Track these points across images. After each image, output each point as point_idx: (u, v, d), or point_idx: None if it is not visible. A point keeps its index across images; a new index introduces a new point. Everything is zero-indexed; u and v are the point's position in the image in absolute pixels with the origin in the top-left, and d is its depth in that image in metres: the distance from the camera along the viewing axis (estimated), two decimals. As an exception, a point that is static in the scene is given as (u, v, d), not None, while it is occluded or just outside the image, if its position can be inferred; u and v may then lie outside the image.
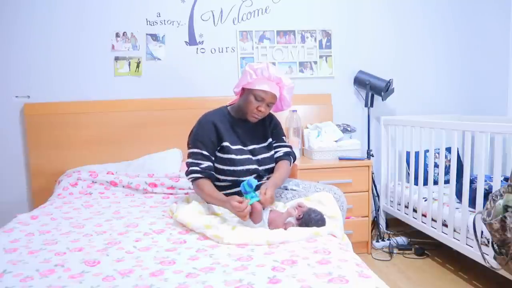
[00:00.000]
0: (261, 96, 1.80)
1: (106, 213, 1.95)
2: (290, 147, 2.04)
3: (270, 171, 1.93)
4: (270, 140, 1.97)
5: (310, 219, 1.58)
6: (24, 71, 2.74)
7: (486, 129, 2.06)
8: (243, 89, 1.88)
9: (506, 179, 2.14)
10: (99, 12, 2.79)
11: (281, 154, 1.98)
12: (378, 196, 3.02)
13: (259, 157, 1.89)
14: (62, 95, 2.79)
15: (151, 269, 1.25)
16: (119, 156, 2.78)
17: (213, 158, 1.84)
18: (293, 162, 2.04)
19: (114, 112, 2.79)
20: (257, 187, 1.71)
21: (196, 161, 1.81)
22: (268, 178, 1.89)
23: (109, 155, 2.78)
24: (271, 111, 1.96)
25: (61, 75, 2.79)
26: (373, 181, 2.97)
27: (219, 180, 1.86)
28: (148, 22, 2.86)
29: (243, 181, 1.67)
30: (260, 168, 1.88)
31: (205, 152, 1.81)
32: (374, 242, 2.83)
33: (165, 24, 2.88)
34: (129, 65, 2.85)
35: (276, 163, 1.96)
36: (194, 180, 1.81)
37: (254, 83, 1.80)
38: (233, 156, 1.81)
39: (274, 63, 3.00)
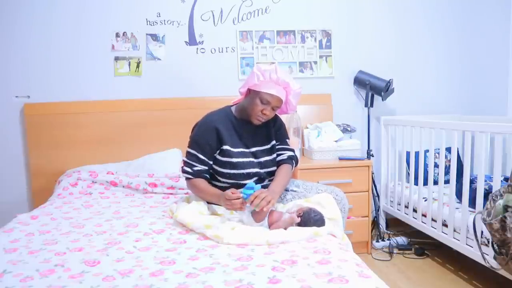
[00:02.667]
0: (267, 99, 1.76)
1: (106, 213, 1.95)
2: (293, 150, 2.01)
3: (273, 173, 1.91)
4: (273, 142, 1.94)
5: (309, 218, 1.57)
6: (24, 71, 2.74)
7: (486, 129, 2.06)
8: (249, 89, 1.84)
9: (506, 179, 2.14)
10: (99, 12, 2.79)
11: (285, 157, 1.94)
12: (378, 196, 3.02)
13: (262, 159, 1.87)
14: (62, 95, 2.79)
15: (151, 269, 1.25)
16: (119, 156, 2.78)
17: (211, 162, 1.83)
18: (295, 166, 2.01)
19: (114, 112, 2.79)
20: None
21: (190, 162, 1.82)
22: (270, 181, 1.88)
23: (109, 155, 2.78)
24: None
25: (61, 75, 2.79)
26: (373, 181, 2.97)
27: (219, 181, 1.86)
28: (148, 22, 2.86)
29: (243, 184, 1.66)
30: (262, 171, 1.86)
31: (200, 156, 1.81)
32: (374, 242, 2.83)
33: (165, 24, 2.88)
34: (129, 65, 2.85)
35: (278, 166, 1.93)
36: (186, 179, 1.85)
37: (261, 86, 1.76)
38: (233, 160, 1.79)
39: (273, 63, 3.00)
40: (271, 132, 1.95)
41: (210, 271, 1.22)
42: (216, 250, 1.41)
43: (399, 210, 2.89)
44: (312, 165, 2.58)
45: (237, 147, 1.83)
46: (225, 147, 1.80)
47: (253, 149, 1.87)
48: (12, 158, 2.76)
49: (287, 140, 2.02)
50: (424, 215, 2.58)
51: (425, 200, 2.56)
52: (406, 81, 3.22)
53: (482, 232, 1.97)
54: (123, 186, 2.41)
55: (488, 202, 1.78)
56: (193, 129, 1.90)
